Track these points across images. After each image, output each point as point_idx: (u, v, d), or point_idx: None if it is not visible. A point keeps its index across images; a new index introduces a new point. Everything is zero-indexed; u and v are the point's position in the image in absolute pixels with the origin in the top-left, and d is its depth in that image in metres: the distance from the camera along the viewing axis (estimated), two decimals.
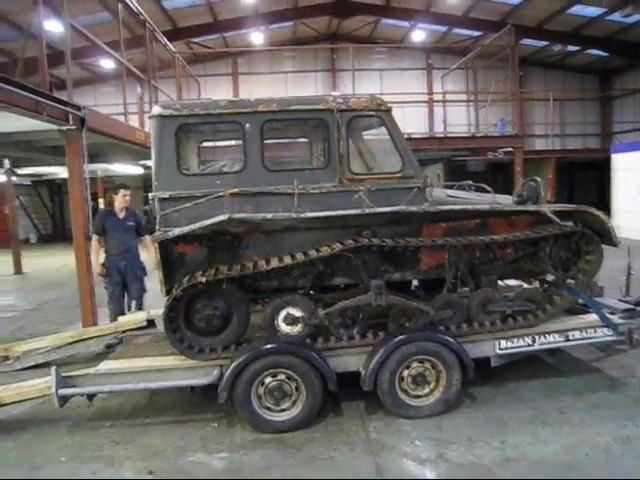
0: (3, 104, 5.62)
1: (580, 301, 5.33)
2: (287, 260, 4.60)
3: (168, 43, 12.58)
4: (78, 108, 6.96)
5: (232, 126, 4.69)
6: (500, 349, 4.85)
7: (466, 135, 14.06)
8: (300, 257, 4.60)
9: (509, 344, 4.85)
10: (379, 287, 4.68)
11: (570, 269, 5.13)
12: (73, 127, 6.90)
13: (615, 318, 5.10)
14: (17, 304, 9.95)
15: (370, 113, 4.76)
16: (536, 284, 5.76)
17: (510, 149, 12.43)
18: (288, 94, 21.83)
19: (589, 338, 5.01)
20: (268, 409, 4.45)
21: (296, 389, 4.45)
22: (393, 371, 4.48)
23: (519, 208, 4.91)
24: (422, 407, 4.56)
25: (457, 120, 19.33)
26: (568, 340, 4.96)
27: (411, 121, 20.19)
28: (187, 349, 4.62)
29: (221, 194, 4.48)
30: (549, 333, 4.92)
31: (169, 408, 4.97)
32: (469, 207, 4.78)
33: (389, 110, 4.78)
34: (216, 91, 22.20)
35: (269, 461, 4.00)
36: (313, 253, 4.61)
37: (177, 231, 4.49)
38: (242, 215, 4.48)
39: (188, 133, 4.77)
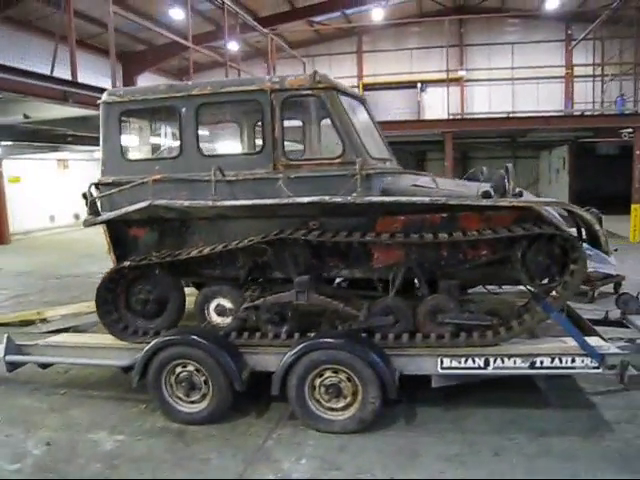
0: (28, 96, 6.25)
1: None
2: (206, 250, 4.44)
3: (258, 26, 12.77)
4: None
5: (170, 111, 4.61)
6: (443, 368, 4.14)
7: (573, 114, 12.09)
8: (218, 248, 4.40)
9: (454, 363, 4.12)
10: (301, 284, 4.30)
11: (553, 280, 4.17)
12: None
13: (608, 346, 4.05)
14: None
15: (307, 92, 4.32)
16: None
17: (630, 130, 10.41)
18: (413, 71, 20.96)
19: (564, 368, 4.04)
20: (180, 399, 4.38)
21: (205, 383, 4.31)
22: (301, 378, 4.08)
23: (468, 202, 4.06)
24: (334, 422, 4.10)
25: (582, 97, 16.69)
26: (534, 368, 4.05)
27: (544, 98, 18.11)
28: (122, 331, 4.74)
29: (145, 181, 4.45)
30: (509, 356, 4.06)
31: (122, 384, 5.13)
32: (402, 199, 4.10)
33: (330, 88, 4.29)
34: (341, 69, 22.22)
35: (149, 453, 3.94)
36: (233, 243, 4.39)
37: (104, 217, 4.59)
38: (163, 202, 4.41)
39: (131, 119, 4.80)
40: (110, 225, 4.81)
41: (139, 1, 16.28)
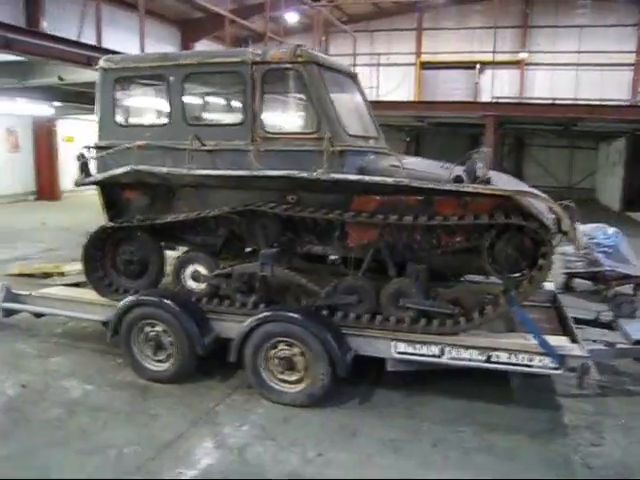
0: (57, 60, 6.55)
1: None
2: (181, 217, 4.59)
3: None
4: None
5: (161, 79, 4.70)
6: (398, 352, 4.10)
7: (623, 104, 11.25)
8: (192, 215, 4.53)
9: (409, 349, 4.07)
10: (266, 257, 4.36)
11: (522, 273, 4.01)
12: None
13: (572, 347, 3.87)
14: None
15: (286, 65, 4.29)
16: None
17: None
18: (474, 50, 20.17)
19: (521, 365, 3.89)
20: (148, 357, 4.57)
21: (171, 344, 4.47)
22: (257, 347, 4.17)
23: (430, 186, 3.93)
24: (286, 393, 4.17)
25: None
26: (490, 362, 3.93)
27: (611, 86, 17.00)
28: (104, 288, 4.99)
29: (130, 146, 4.60)
30: (465, 347, 3.97)
31: None
32: (365, 179, 4.03)
33: (309, 62, 4.21)
34: (400, 46, 21.73)
35: (109, 403, 4.17)
36: (205, 212, 4.50)
37: (92, 178, 4.81)
38: (143, 167, 4.56)
39: (125, 85, 4.93)
40: (105, 187, 5.05)
41: None
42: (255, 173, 4.23)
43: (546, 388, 4.54)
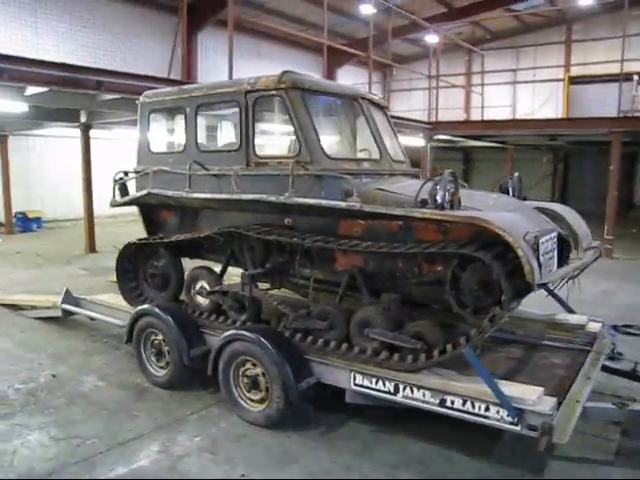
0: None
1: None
2: (182, 237, 4.97)
3: (422, 21, 12.57)
4: None
5: (180, 110, 5.16)
6: (355, 384, 3.94)
7: None
8: (188, 236, 4.89)
9: (366, 382, 3.89)
10: (245, 277, 4.52)
11: (485, 309, 3.61)
12: None
13: (536, 402, 3.35)
14: None
15: (272, 92, 4.44)
16: None
17: None
18: (627, 60, 17.90)
19: (474, 414, 3.49)
20: (152, 362, 5.00)
21: (168, 352, 4.84)
22: (226, 364, 4.34)
23: (382, 211, 3.73)
24: (249, 412, 4.26)
25: None
26: (443, 406, 3.59)
27: None
28: (136, 297, 5.57)
29: (147, 172, 5.13)
30: (419, 387, 3.68)
31: None
32: (322, 203, 3.97)
33: (292, 88, 4.31)
34: (548, 60, 20.25)
35: (107, 400, 4.66)
36: (197, 234, 4.83)
37: (122, 200, 5.43)
38: (156, 190, 5.05)
39: (156, 117, 5.47)
40: (144, 208, 5.68)
41: None
42: (234, 197, 4.44)
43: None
